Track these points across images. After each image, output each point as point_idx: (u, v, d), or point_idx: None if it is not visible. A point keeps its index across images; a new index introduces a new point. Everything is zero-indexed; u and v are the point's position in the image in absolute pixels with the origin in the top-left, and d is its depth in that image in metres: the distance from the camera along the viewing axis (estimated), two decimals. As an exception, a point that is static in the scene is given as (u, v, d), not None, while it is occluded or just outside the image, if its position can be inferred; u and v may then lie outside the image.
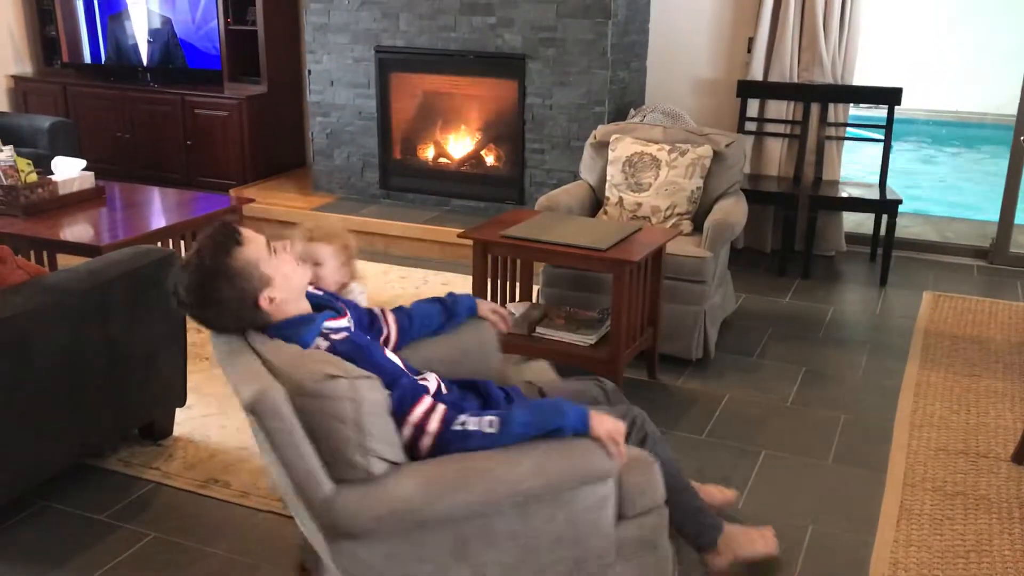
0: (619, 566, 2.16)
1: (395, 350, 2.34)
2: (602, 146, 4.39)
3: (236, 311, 2.00)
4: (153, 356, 3.01)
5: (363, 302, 2.65)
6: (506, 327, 2.64)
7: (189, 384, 3.25)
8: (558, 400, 2.08)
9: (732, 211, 3.97)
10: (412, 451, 1.97)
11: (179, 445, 3.18)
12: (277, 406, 1.81)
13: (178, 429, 3.25)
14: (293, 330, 2.02)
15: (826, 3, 5.05)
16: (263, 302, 2.00)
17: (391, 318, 2.40)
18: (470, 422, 1.96)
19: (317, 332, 2.04)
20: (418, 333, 2.44)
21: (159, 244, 3.92)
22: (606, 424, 2.02)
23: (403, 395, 1.96)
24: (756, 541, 2.52)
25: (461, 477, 1.92)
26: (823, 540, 2.74)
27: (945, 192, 8.32)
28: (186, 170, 6.33)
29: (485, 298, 3.64)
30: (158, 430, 3.18)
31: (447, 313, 2.51)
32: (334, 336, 2.05)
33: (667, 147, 4.23)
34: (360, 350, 2.00)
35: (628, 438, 2.19)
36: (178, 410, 3.25)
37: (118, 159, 6.44)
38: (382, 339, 2.37)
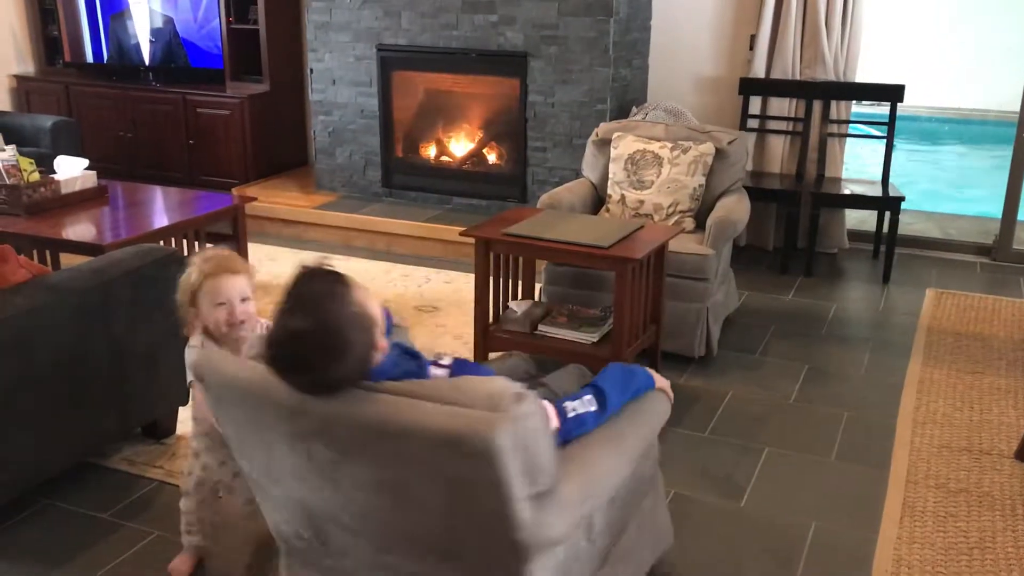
0: (645, 500, 2.30)
1: None
2: (604, 144, 4.39)
3: (362, 361, 1.73)
4: (155, 354, 3.02)
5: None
6: None
7: (192, 383, 3.25)
8: (621, 365, 2.20)
9: (735, 208, 3.97)
10: None
11: (182, 444, 3.18)
12: (502, 448, 1.62)
13: (181, 427, 3.25)
14: (411, 365, 1.85)
15: (828, 0, 5.04)
16: (378, 344, 1.78)
17: None
18: (577, 406, 1.97)
19: (419, 361, 1.88)
20: None
21: (161, 243, 3.92)
22: (658, 375, 2.24)
23: None
24: None
25: (604, 462, 1.95)
26: (826, 537, 2.74)
27: (948, 189, 8.30)
28: (188, 169, 6.33)
29: (487, 296, 3.64)
30: (161, 429, 3.18)
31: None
32: (442, 362, 1.91)
33: (669, 144, 4.23)
34: (476, 369, 1.94)
35: None
36: (180, 408, 3.25)
37: (120, 158, 6.44)
38: None
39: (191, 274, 2.35)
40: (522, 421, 1.65)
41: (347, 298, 1.71)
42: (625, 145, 4.28)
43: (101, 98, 6.52)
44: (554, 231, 3.50)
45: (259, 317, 2.42)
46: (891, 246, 4.96)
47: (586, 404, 1.97)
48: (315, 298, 1.70)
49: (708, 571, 2.59)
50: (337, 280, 1.74)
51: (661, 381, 2.25)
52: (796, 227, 5.10)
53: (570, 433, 1.94)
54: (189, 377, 2.28)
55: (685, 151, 4.18)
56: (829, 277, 5.07)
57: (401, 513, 1.78)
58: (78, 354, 2.73)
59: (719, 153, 4.19)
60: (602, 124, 4.52)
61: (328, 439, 1.73)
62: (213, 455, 2.42)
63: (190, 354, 2.36)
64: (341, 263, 5.16)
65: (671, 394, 2.27)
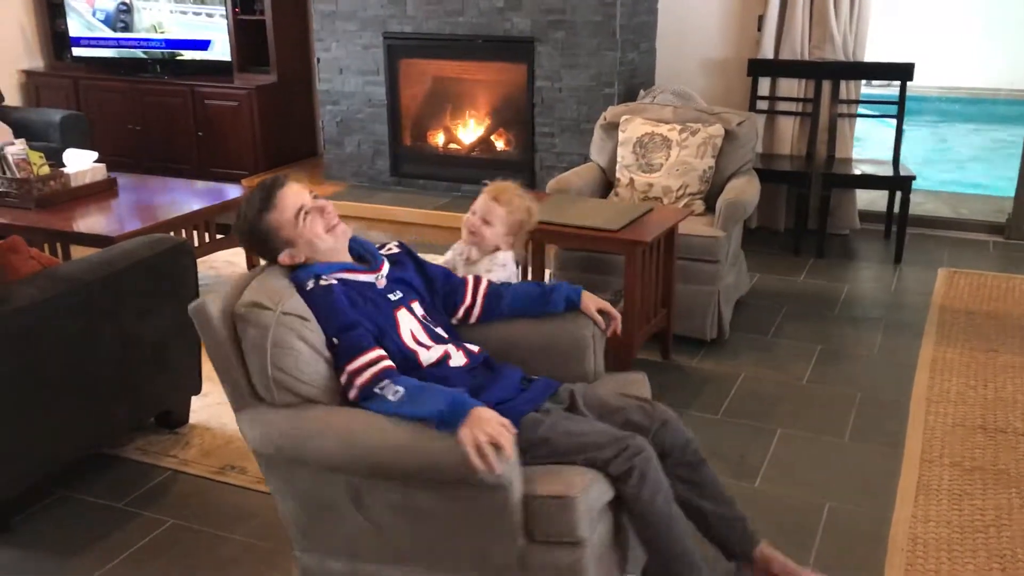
0: None
1: (477, 322, 2.43)
2: (612, 127, 4.37)
3: (268, 258, 2.25)
4: (167, 344, 3.02)
5: (500, 275, 2.70)
6: (612, 331, 2.45)
7: (204, 372, 3.26)
8: (447, 390, 2.00)
9: (745, 189, 3.95)
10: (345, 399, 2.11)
11: (195, 433, 3.19)
12: (207, 317, 2.09)
13: (194, 417, 3.26)
14: (298, 271, 2.21)
15: (836, -21, 5.01)
16: (283, 258, 2.21)
17: (481, 290, 2.44)
18: (388, 389, 2.04)
19: (310, 276, 2.18)
20: (507, 311, 2.44)
21: (171, 234, 3.93)
22: (485, 429, 1.87)
23: (349, 345, 2.09)
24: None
25: (320, 428, 2.05)
26: (841, 517, 2.73)
27: (959, 168, 8.24)
28: (198, 161, 6.34)
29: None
30: (174, 418, 3.19)
31: (543, 299, 2.44)
32: (322, 282, 2.17)
33: (678, 127, 4.21)
34: (325, 297, 2.14)
35: (611, 468, 2.06)
36: (193, 398, 3.26)
37: (130, 151, 6.45)
38: (463, 308, 2.42)
39: (491, 185, 2.86)
40: (240, 322, 2.07)
41: (259, 214, 2.18)
42: (633, 128, 4.26)
43: (109, 91, 6.53)
44: (563, 215, 3.49)
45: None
46: (902, 226, 4.92)
47: (390, 392, 2.02)
48: (246, 198, 2.23)
49: (722, 552, 2.57)
50: (261, 196, 2.19)
51: (469, 436, 1.86)
52: (807, 208, 5.07)
53: (365, 400, 2.06)
54: None
55: (694, 133, 4.16)
56: (841, 258, 5.04)
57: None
58: (89, 344, 2.74)
59: (728, 135, 4.17)
60: (610, 108, 4.51)
61: None
62: None
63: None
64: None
65: (476, 460, 1.85)
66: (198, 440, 3.15)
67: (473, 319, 2.43)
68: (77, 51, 6.65)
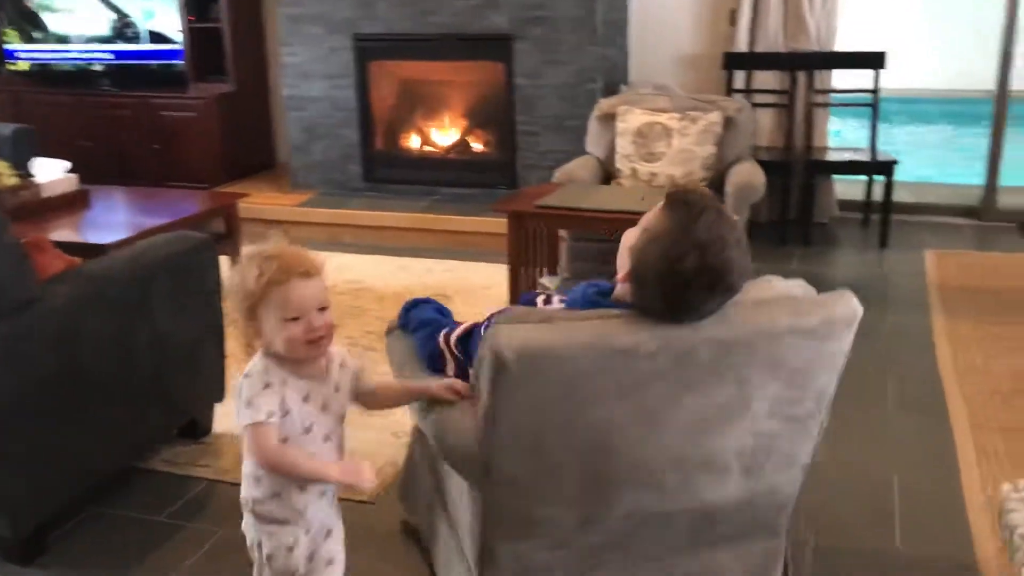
0: None
1: None
2: (608, 119, 4.33)
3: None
4: (194, 347, 2.84)
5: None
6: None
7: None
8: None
9: (753, 173, 3.95)
10: None
11: (223, 442, 2.99)
12: None
13: (216, 425, 3.06)
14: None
15: (808, -29, 5.08)
16: None
17: None
18: None
19: None
20: None
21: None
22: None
23: None
24: None
25: None
26: (912, 487, 2.71)
27: (926, 165, 8.40)
28: (157, 174, 6.06)
29: (518, 273, 3.53)
30: (199, 427, 2.99)
31: None
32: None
33: (677, 115, 4.19)
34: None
35: None
36: (217, 405, 3.06)
37: (82, 167, 6.09)
38: None
39: (248, 279, 1.68)
40: None
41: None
42: (633, 118, 4.23)
43: (54, 106, 6.22)
44: (589, 201, 3.42)
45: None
46: (887, 211, 4.99)
47: None
48: (715, 221, 1.68)
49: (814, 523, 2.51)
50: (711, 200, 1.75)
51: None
52: (788, 199, 5.10)
53: None
54: (251, 418, 1.70)
55: (694, 121, 4.15)
56: (826, 245, 5.09)
57: (726, 434, 1.83)
58: (123, 346, 2.54)
59: (728, 122, 4.17)
60: (603, 99, 4.47)
61: (679, 371, 1.73)
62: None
63: (248, 385, 1.72)
64: (331, 258, 5.00)
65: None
66: (228, 448, 2.95)
67: None
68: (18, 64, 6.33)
